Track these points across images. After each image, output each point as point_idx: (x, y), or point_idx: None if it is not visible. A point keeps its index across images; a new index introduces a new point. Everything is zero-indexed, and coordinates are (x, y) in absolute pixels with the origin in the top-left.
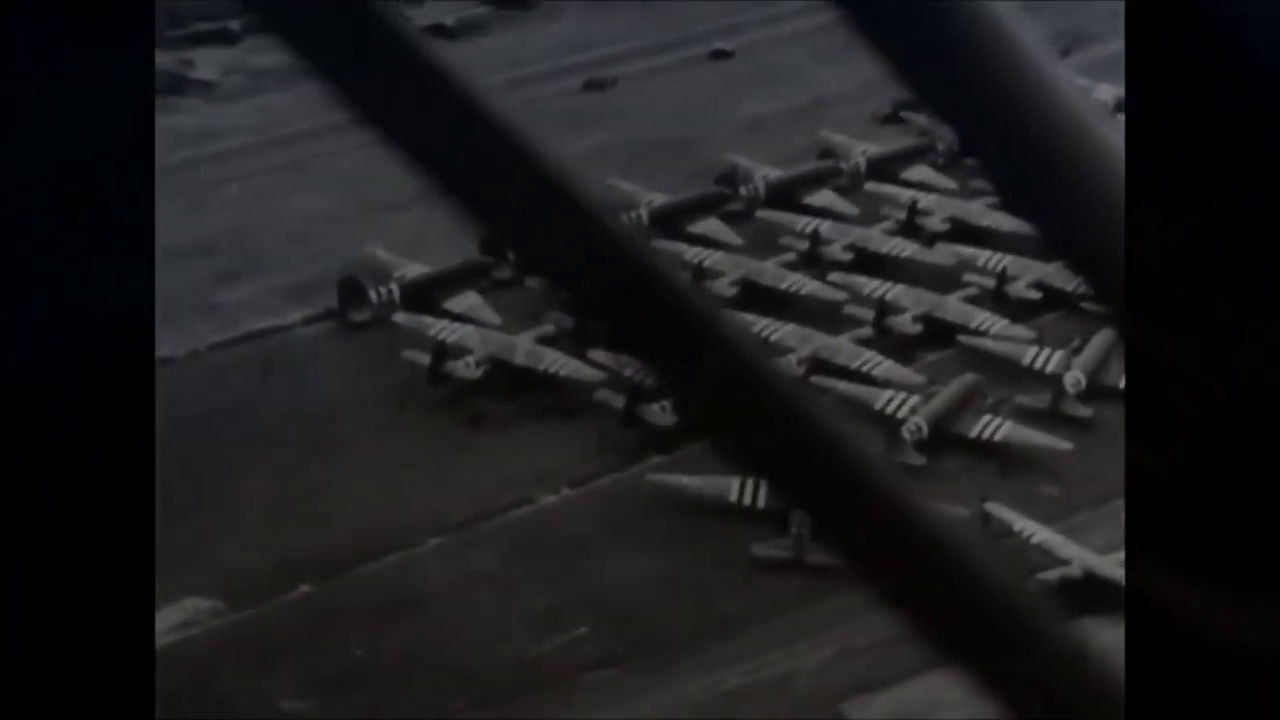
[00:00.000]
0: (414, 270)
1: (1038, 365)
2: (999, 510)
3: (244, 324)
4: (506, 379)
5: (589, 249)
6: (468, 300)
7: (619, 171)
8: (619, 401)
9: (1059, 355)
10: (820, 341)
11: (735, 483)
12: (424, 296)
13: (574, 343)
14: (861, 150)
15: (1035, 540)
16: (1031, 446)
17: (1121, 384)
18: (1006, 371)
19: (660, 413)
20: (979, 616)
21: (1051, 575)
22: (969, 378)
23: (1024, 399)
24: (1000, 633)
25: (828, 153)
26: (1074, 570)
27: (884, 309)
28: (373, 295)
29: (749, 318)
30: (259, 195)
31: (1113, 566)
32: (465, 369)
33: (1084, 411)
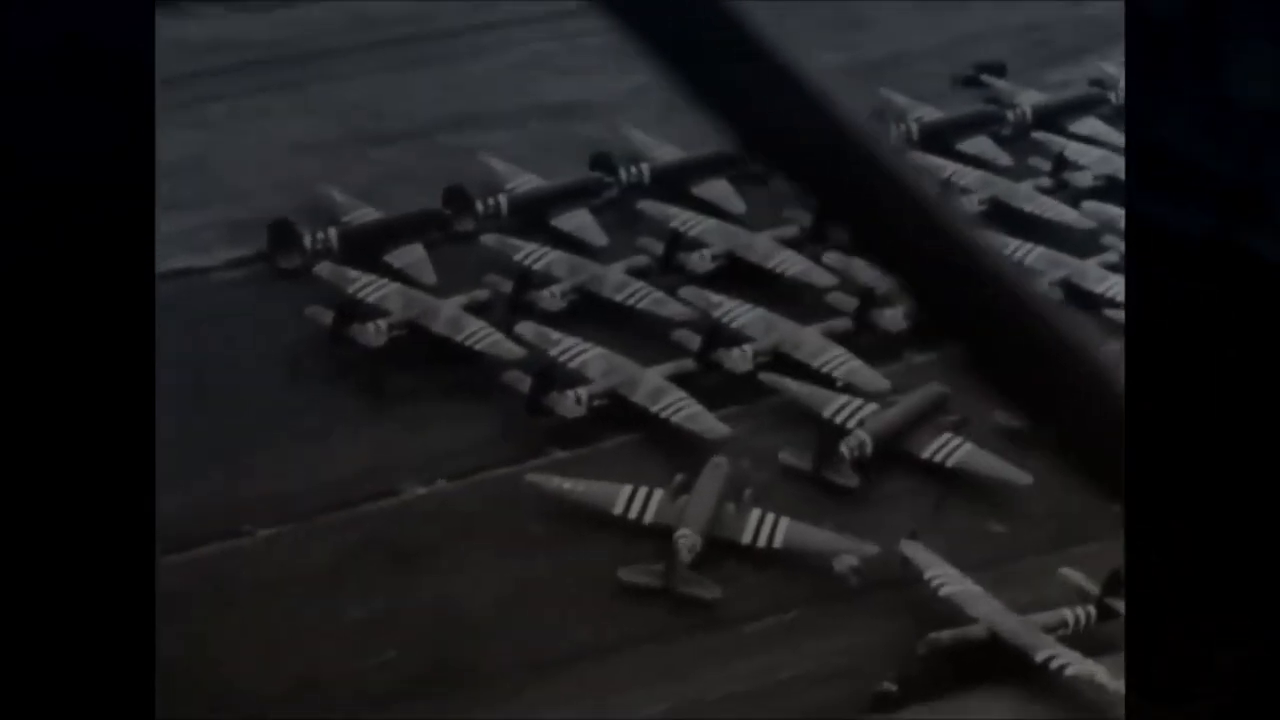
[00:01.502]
0: (364, 215)
1: None
2: (915, 551)
3: (168, 260)
4: (421, 347)
5: (838, 153)
6: (411, 254)
7: (651, 116)
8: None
9: None
10: (784, 333)
11: (623, 492)
12: (366, 245)
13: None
14: (916, 116)
15: (945, 591)
16: (986, 475)
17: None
18: None
19: (573, 403)
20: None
21: (944, 636)
22: (933, 388)
23: (1002, 416)
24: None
25: (880, 114)
26: (977, 631)
27: (870, 299)
28: (307, 240)
29: (716, 297)
30: (241, 117)
31: (1026, 631)
32: (372, 333)
33: None
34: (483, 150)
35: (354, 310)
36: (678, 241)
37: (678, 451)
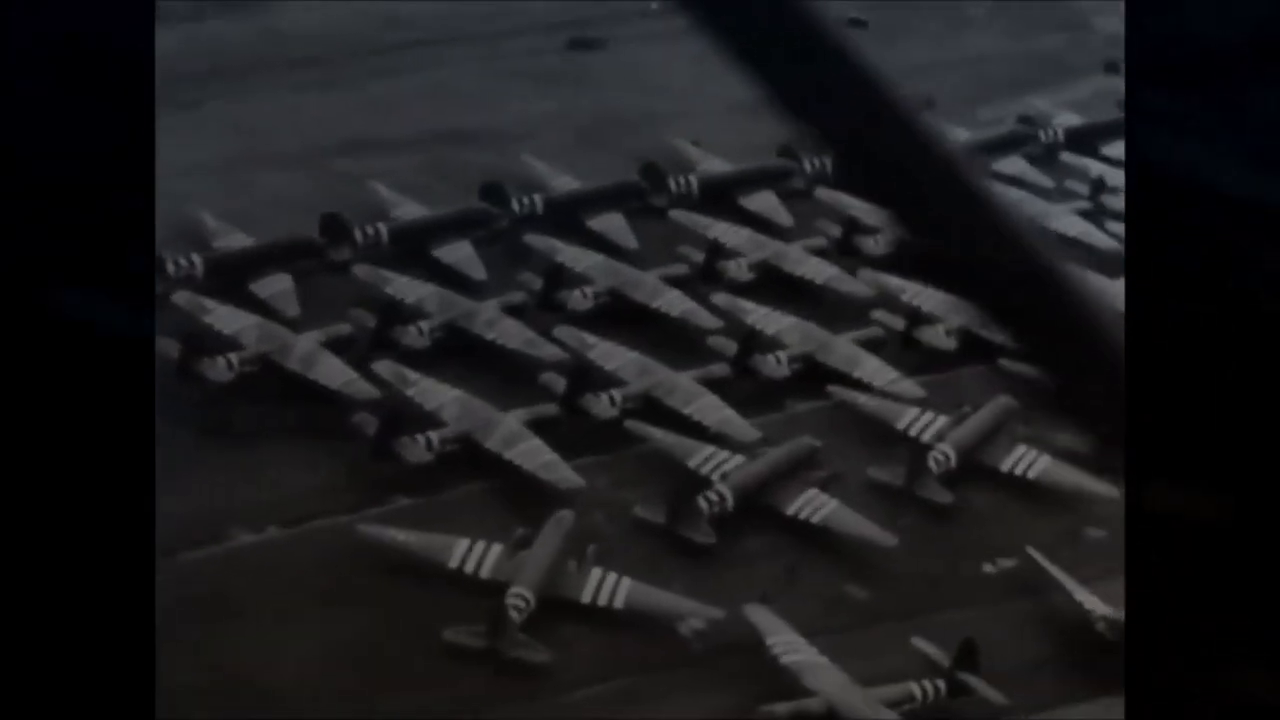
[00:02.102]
0: (235, 241)
1: (913, 431)
2: (760, 616)
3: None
4: (272, 384)
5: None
6: (277, 284)
7: (572, 143)
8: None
9: (942, 422)
10: (658, 378)
11: (459, 546)
12: (232, 274)
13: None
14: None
15: (786, 660)
16: (850, 535)
17: (1004, 466)
18: (879, 435)
19: (421, 448)
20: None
21: (778, 710)
22: (803, 441)
23: (878, 472)
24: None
25: (788, 151)
26: (814, 705)
27: (752, 343)
28: (170, 267)
29: (591, 338)
30: None
31: (866, 706)
32: (221, 367)
33: (943, 497)
34: (375, 177)
35: (203, 343)
36: (559, 278)
37: (528, 502)
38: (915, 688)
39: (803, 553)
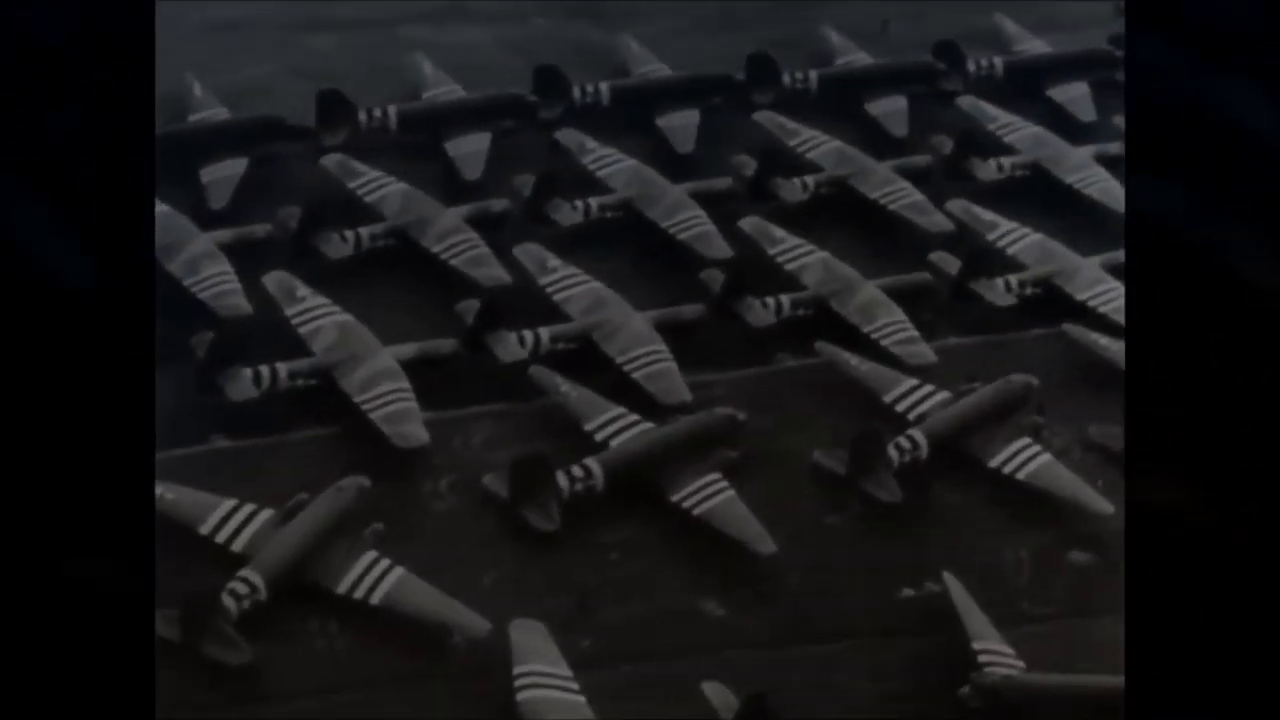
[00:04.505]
0: (215, 115)
1: (900, 407)
2: (524, 635)
3: None
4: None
5: None
6: (230, 169)
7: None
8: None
9: (940, 399)
10: (608, 314)
11: (220, 509)
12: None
13: None
14: (1019, 48)
15: (522, 696)
16: (730, 536)
17: (994, 461)
18: (860, 409)
19: (249, 383)
20: None
21: None
22: (718, 414)
23: (824, 458)
24: None
25: (948, 49)
26: None
27: (741, 282)
28: None
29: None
30: None
31: None
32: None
33: (889, 494)
34: (438, 48)
35: None
36: (551, 184)
37: (360, 460)
38: None
39: (668, 552)
